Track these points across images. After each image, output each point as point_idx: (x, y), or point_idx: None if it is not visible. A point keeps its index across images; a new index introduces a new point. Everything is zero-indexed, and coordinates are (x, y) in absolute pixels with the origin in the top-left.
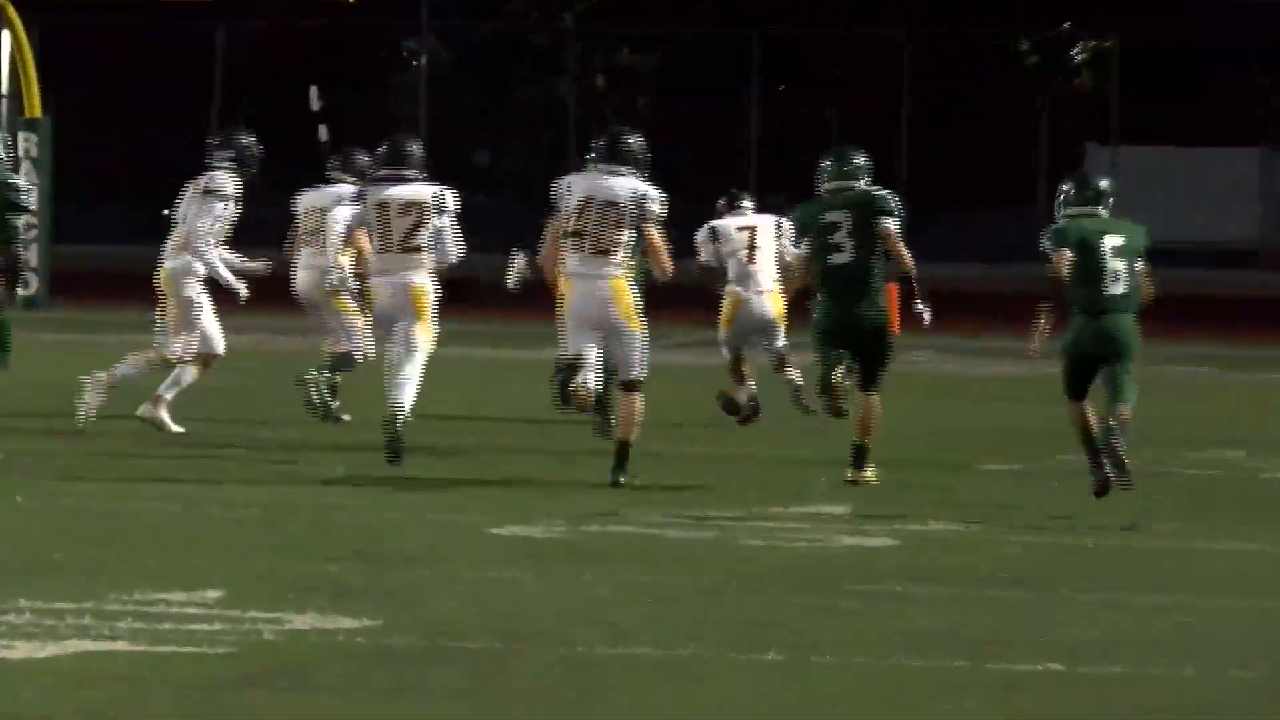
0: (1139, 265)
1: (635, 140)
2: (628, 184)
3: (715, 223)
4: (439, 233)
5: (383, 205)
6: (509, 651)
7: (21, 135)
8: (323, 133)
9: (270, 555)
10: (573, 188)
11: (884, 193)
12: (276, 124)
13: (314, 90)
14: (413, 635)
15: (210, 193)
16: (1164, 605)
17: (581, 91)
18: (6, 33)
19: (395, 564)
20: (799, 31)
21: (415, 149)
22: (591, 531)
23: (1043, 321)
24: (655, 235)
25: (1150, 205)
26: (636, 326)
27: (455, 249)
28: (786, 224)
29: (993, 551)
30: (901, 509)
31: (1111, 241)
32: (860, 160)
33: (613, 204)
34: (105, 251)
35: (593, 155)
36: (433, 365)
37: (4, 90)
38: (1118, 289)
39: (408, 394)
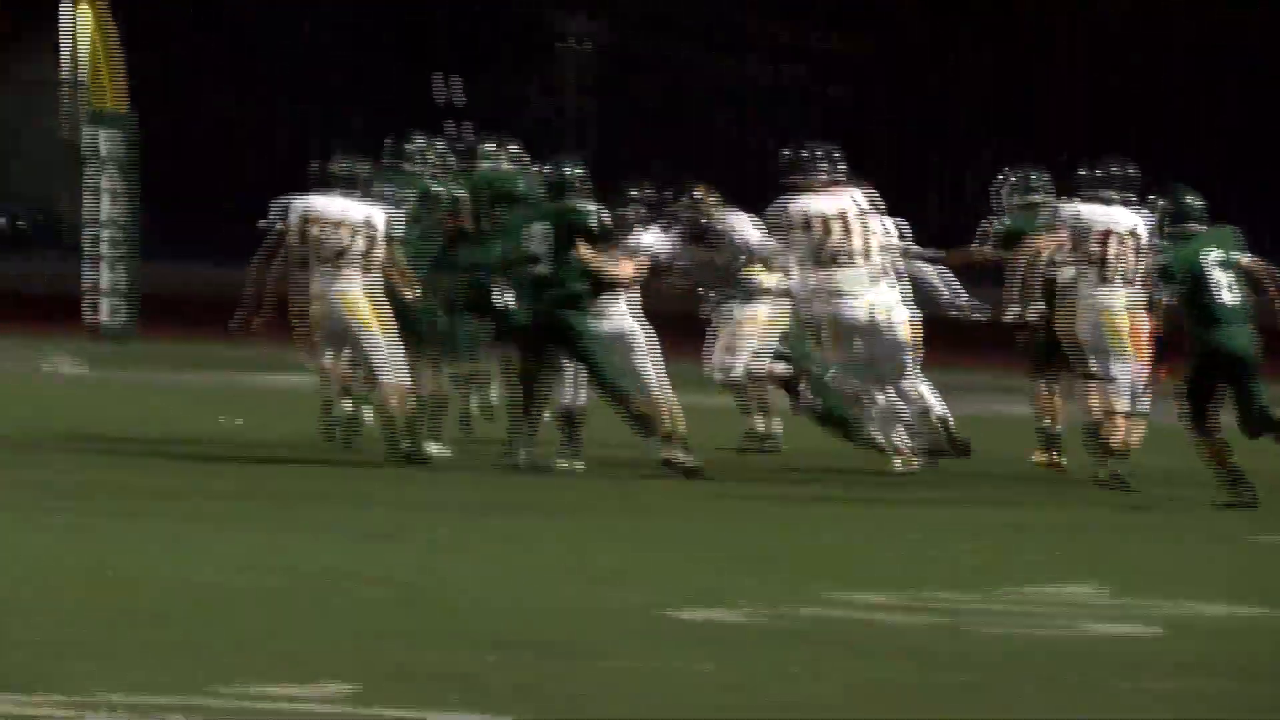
0: None
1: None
2: None
3: None
4: None
5: None
6: None
7: (102, 133)
8: (467, 130)
9: (403, 640)
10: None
11: None
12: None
13: (439, 78)
14: None
15: None
16: None
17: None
18: (65, 7)
19: (554, 654)
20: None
21: None
22: (791, 615)
23: None
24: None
25: None
26: None
27: None
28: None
29: (1274, 639)
30: (1164, 589)
31: None
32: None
33: None
34: (196, 272)
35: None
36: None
37: (79, 75)
38: None
39: None
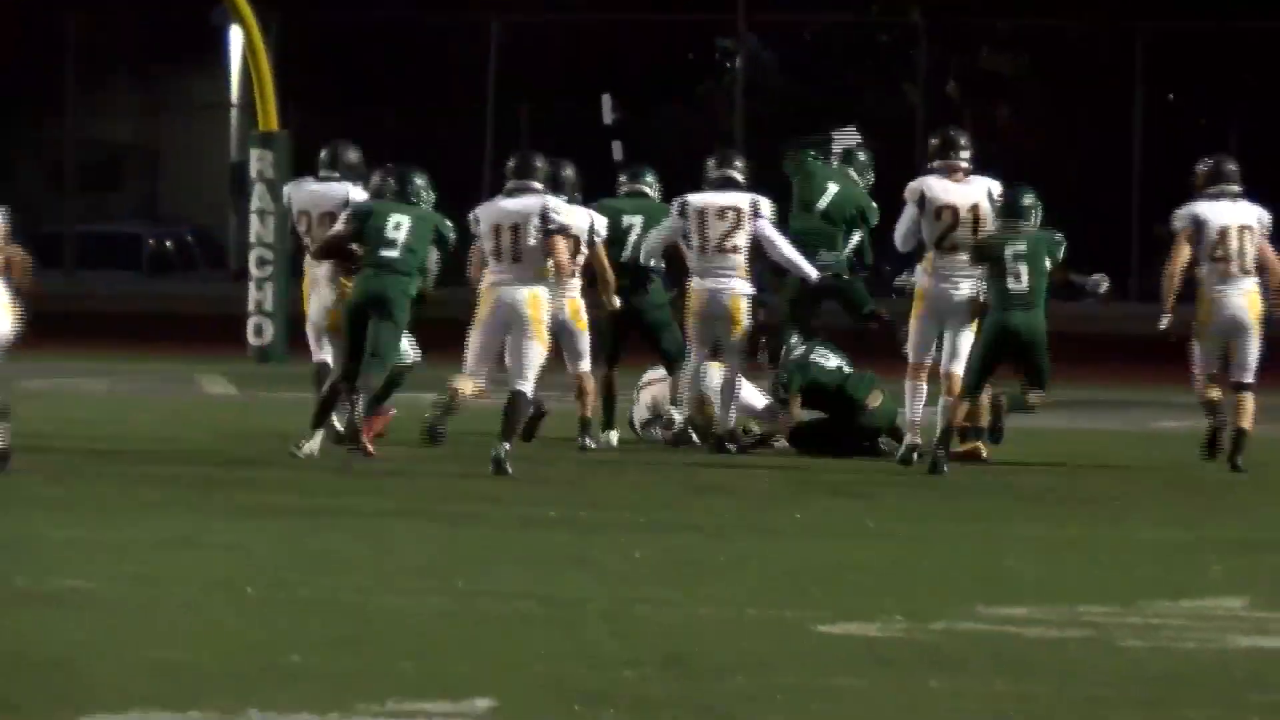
0: None
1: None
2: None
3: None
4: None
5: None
6: None
7: (255, 153)
8: (617, 150)
9: (555, 659)
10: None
11: None
12: (564, 136)
13: (607, 99)
14: None
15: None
16: None
17: (932, 99)
18: (236, 31)
19: (706, 671)
20: (1192, 26)
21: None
22: (940, 629)
23: None
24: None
25: None
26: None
27: None
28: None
29: None
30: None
31: None
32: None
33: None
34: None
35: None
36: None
37: (235, 99)
38: None
39: None
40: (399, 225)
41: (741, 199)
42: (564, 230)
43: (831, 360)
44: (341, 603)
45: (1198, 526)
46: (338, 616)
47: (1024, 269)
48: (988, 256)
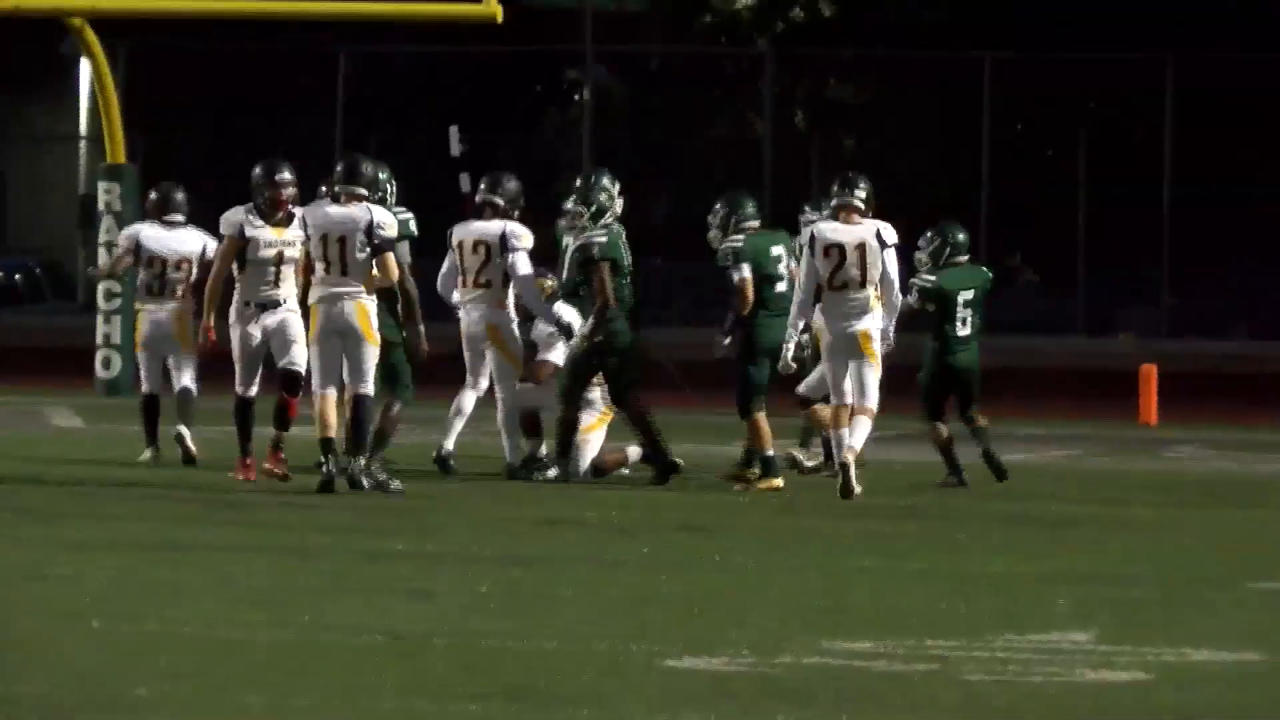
0: None
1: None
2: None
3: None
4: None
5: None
6: None
7: (103, 185)
8: (464, 182)
9: (400, 692)
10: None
11: None
12: (411, 169)
13: (454, 131)
14: None
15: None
16: None
17: (779, 129)
18: (86, 63)
19: (552, 704)
20: (1038, 55)
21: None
22: (786, 663)
23: None
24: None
25: None
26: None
27: None
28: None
29: (1272, 687)
30: (1156, 635)
31: None
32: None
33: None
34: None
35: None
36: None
37: (83, 131)
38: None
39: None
40: None
41: (493, 231)
42: (390, 244)
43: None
44: (186, 635)
45: (1043, 559)
46: (183, 649)
47: (970, 313)
48: (941, 300)
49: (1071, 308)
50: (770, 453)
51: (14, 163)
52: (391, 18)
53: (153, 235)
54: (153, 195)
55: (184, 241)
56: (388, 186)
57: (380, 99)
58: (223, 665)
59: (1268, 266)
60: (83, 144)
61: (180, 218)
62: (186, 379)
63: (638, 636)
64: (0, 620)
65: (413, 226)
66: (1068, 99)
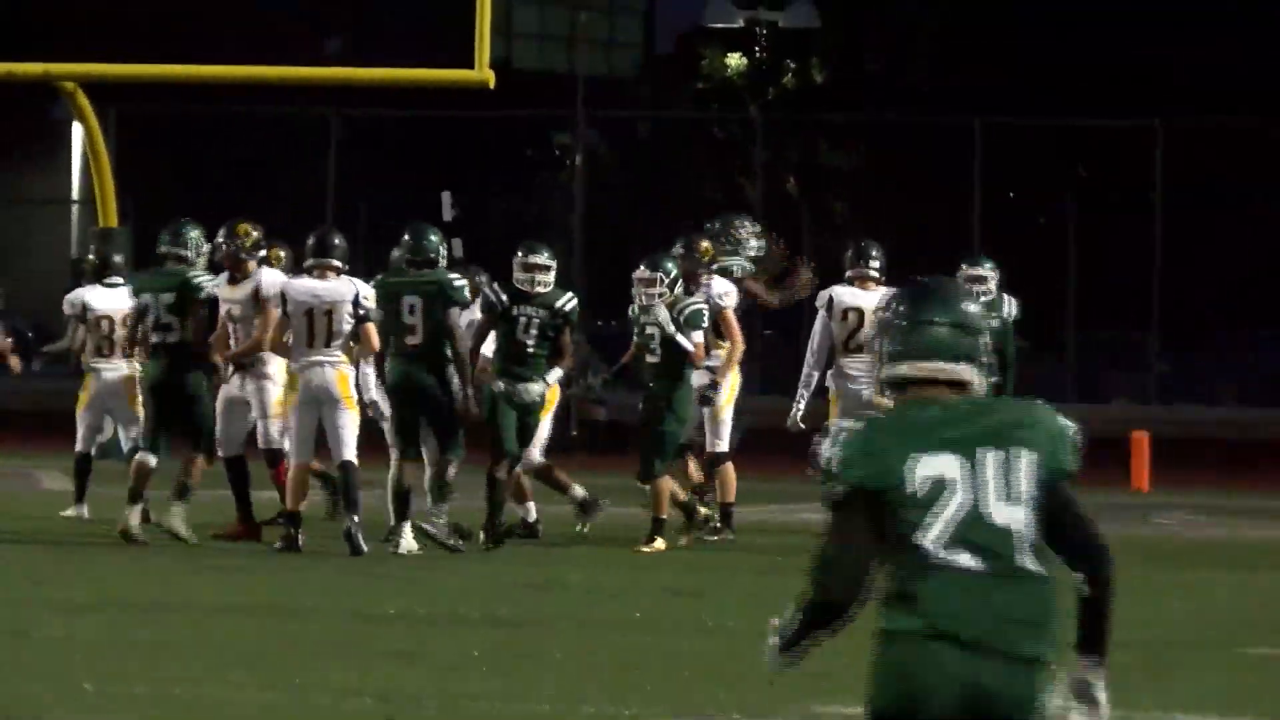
0: None
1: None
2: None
3: None
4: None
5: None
6: None
7: (94, 248)
8: (456, 247)
9: None
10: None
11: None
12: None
13: (447, 197)
14: None
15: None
16: None
17: (769, 193)
18: (78, 127)
19: None
20: (1029, 121)
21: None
22: None
23: None
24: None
25: None
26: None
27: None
28: None
29: None
30: (1147, 699)
31: None
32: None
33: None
34: None
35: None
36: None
37: (76, 194)
38: None
39: None
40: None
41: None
42: (369, 316)
43: None
44: (176, 696)
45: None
46: (174, 711)
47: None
48: None
49: (1061, 373)
50: (665, 515)
51: (9, 226)
52: (384, 83)
53: (96, 297)
54: (90, 257)
55: (125, 300)
56: (440, 249)
57: (372, 162)
58: None
59: (1257, 333)
60: (74, 207)
61: (120, 280)
62: (133, 437)
63: (627, 699)
64: None
65: (467, 293)
66: (1058, 163)
